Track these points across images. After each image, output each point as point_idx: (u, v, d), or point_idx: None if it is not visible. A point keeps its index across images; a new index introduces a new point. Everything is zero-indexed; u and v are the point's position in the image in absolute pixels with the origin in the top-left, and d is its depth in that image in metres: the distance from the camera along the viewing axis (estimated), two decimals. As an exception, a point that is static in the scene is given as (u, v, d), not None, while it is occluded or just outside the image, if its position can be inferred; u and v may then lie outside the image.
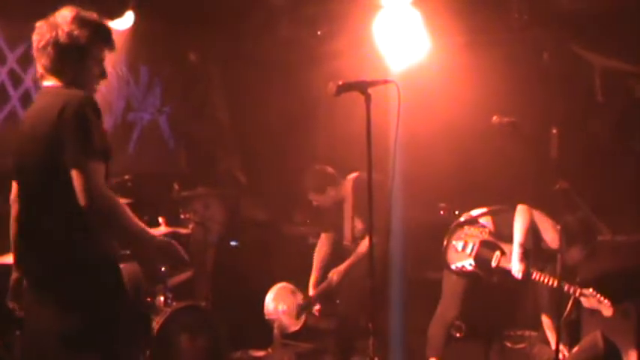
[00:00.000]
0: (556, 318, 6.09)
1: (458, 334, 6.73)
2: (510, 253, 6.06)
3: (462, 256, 6.25)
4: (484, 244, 6.23)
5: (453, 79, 6.94)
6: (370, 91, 3.95)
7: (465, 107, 7.14)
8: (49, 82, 3.83)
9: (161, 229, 6.36)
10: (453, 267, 6.27)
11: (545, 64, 7.48)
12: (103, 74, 3.93)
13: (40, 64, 3.83)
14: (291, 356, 6.96)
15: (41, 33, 3.80)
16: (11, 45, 7.22)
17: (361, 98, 3.96)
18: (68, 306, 3.67)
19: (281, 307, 6.73)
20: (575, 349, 6.18)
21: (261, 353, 7.11)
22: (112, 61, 7.93)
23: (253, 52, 8.45)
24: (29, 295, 3.89)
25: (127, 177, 6.75)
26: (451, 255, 6.30)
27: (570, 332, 6.51)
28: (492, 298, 6.49)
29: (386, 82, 4.09)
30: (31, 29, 3.86)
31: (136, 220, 3.66)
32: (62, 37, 3.76)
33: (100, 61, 3.90)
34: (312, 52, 8.23)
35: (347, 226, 6.71)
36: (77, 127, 3.58)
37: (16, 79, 7.39)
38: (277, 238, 8.54)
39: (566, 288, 5.85)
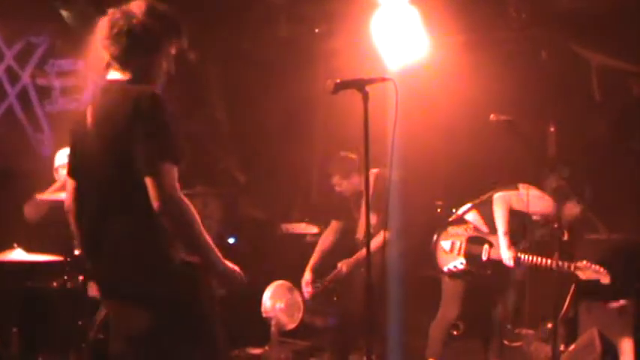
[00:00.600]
0: (553, 316, 6.08)
1: (455, 332, 6.75)
2: (499, 244, 6.05)
3: (451, 256, 6.24)
4: (471, 240, 6.23)
5: (451, 78, 6.95)
6: (368, 89, 3.94)
7: (463, 105, 7.15)
8: (114, 75, 3.71)
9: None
10: (445, 269, 6.26)
11: (544, 62, 7.49)
12: (170, 70, 3.84)
13: (109, 52, 3.69)
14: (288, 354, 6.95)
15: (114, 20, 3.67)
16: (8, 42, 7.22)
17: (360, 96, 3.94)
18: (142, 309, 3.54)
19: (278, 304, 6.72)
20: (572, 347, 6.19)
21: (258, 351, 7.11)
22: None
23: (251, 51, 8.46)
24: (104, 300, 3.79)
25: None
26: (441, 258, 6.29)
27: (567, 330, 6.52)
28: (490, 296, 6.48)
29: (384, 80, 4.07)
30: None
31: (206, 234, 3.52)
32: (137, 27, 3.64)
33: (169, 55, 3.79)
34: (311, 50, 8.23)
35: (362, 220, 6.70)
36: (152, 127, 3.47)
37: (13, 76, 7.39)
38: (275, 236, 8.54)
39: (560, 264, 5.82)
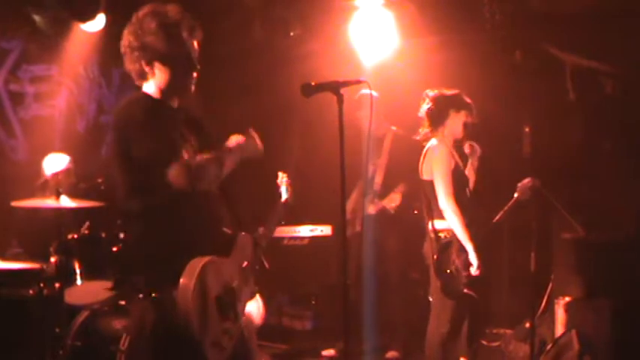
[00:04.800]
0: (531, 316, 6.10)
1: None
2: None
3: (459, 276, 5.53)
4: (457, 247, 5.58)
5: (426, 79, 6.94)
6: (343, 91, 3.91)
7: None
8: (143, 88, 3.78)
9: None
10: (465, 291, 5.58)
11: (517, 63, 7.51)
12: (193, 67, 3.75)
13: (128, 70, 3.76)
14: (266, 358, 6.93)
15: (123, 37, 3.72)
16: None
17: (335, 99, 3.91)
18: None
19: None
20: (550, 346, 6.21)
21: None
22: (83, 63, 7.98)
23: (226, 55, 8.42)
24: None
25: (99, 180, 6.70)
26: (455, 284, 5.55)
27: (544, 329, 6.55)
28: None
29: (358, 82, 4.06)
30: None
31: (197, 170, 3.79)
32: (137, 38, 3.66)
33: (187, 55, 3.72)
34: (285, 53, 8.22)
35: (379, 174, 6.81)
36: None
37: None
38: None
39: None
